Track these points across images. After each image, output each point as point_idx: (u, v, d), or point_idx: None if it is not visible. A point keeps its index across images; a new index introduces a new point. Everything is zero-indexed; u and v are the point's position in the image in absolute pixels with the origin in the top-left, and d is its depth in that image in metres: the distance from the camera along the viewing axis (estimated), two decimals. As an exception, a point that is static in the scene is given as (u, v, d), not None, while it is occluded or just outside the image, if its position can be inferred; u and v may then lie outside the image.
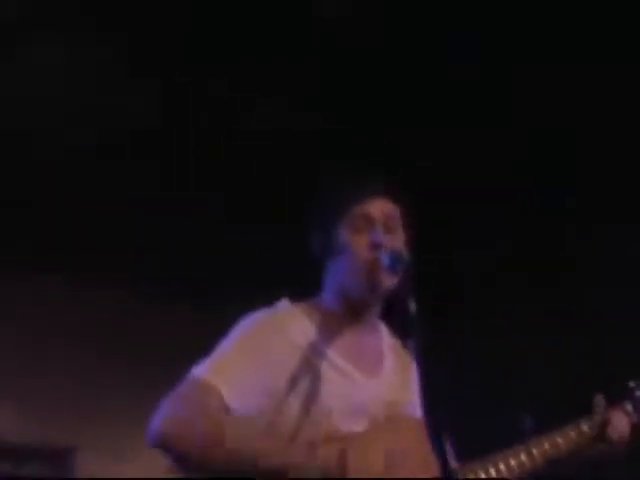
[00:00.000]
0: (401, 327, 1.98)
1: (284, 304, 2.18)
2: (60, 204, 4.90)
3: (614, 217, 4.79)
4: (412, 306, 1.87)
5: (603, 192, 4.72)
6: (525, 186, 4.90)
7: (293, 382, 2.03)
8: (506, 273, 5.31)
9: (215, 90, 4.37)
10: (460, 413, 2.28)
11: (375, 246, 2.09)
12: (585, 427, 2.39)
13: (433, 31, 4.11)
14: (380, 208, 2.17)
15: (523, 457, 2.25)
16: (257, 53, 4.18)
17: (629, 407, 2.47)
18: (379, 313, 2.24)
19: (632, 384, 2.51)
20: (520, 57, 4.21)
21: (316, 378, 2.05)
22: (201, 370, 2.02)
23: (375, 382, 2.15)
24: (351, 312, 2.18)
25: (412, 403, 2.17)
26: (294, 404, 2.03)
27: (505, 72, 4.31)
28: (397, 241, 2.14)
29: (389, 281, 2.08)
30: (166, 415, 1.97)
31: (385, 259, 2.05)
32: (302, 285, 2.23)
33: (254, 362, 2.02)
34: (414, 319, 1.85)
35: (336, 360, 2.10)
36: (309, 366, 2.06)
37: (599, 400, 2.44)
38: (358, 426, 2.06)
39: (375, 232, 2.12)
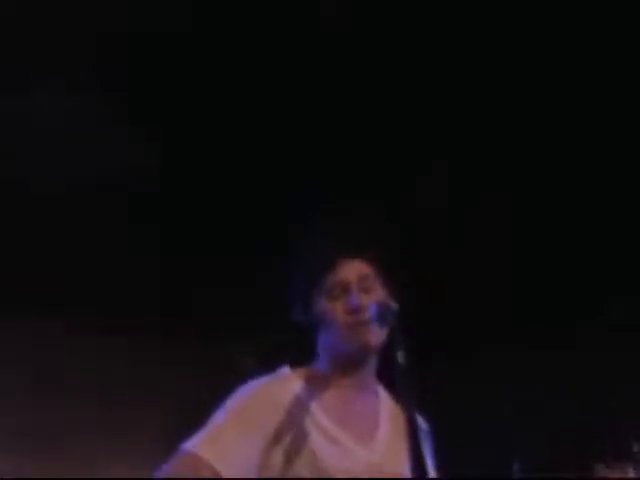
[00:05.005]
0: (391, 379, 1.97)
1: (283, 371, 2.17)
2: (60, 248, 4.94)
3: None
4: (401, 357, 1.85)
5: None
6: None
7: (282, 444, 2.03)
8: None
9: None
10: (449, 460, 2.26)
11: (352, 311, 2.09)
12: None
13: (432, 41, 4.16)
14: (353, 270, 2.15)
15: None
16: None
17: (630, 471, 2.38)
18: (375, 374, 2.22)
19: (636, 448, 2.42)
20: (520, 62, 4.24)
21: (306, 444, 2.04)
22: (193, 443, 2.02)
23: (367, 449, 2.12)
24: (347, 375, 2.17)
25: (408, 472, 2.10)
26: (280, 464, 2.02)
27: (504, 82, 4.32)
28: (375, 298, 2.11)
29: (378, 335, 2.08)
30: None
31: (372, 311, 2.03)
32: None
33: (248, 434, 2.02)
34: (403, 370, 1.84)
35: (328, 426, 2.08)
36: (301, 433, 2.04)
37: (599, 465, 2.35)
38: None
39: (351, 296, 2.11)
